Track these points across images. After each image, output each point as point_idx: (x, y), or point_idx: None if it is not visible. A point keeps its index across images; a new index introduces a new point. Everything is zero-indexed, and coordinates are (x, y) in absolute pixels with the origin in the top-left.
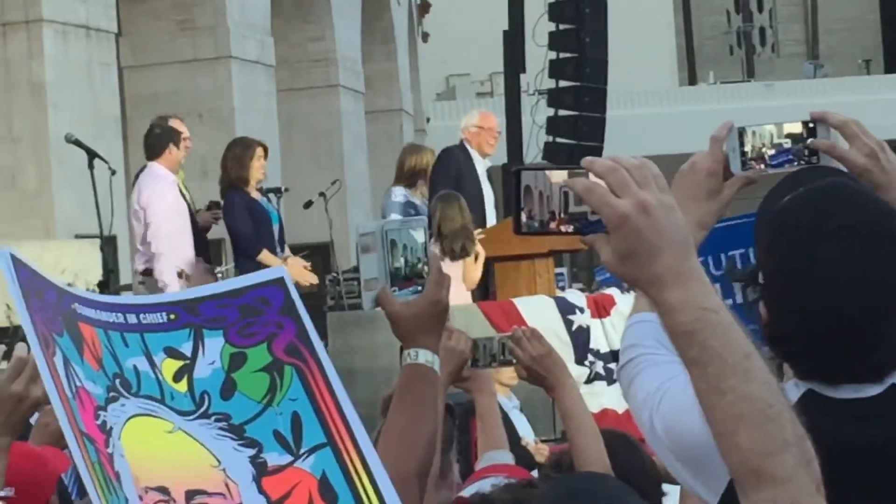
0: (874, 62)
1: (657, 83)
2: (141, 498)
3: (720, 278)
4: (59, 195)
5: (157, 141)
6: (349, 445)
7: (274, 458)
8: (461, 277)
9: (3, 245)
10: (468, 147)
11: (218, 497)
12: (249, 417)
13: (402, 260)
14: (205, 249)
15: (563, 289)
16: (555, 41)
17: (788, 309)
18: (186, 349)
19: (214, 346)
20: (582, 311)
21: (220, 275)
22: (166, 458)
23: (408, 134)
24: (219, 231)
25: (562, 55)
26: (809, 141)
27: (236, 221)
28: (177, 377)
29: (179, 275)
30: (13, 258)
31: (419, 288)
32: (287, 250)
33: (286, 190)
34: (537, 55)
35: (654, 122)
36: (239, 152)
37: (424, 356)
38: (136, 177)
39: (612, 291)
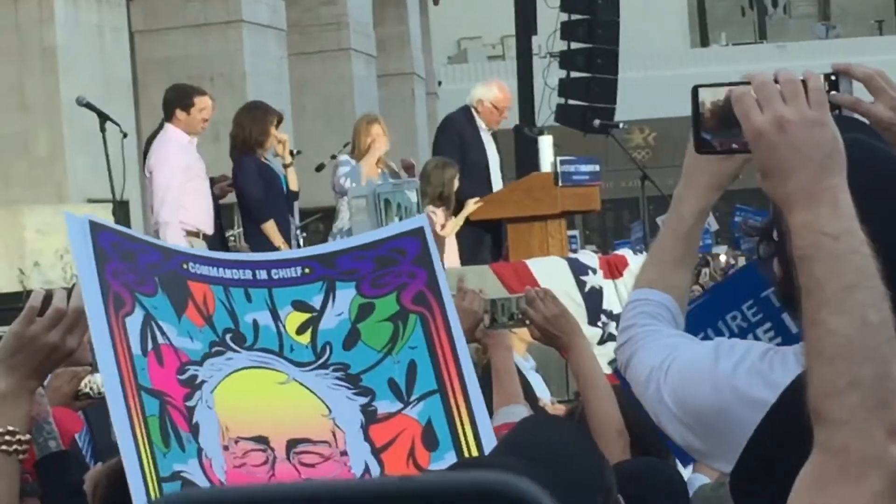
0: (887, 22)
1: (669, 45)
2: (227, 448)
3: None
4: (71, 160)
5: (166, 105)
6: (458, 393)
7: (385, 405)
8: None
9: (88, 213)
10: (475, 114)
11: (322, 445)
12: (368, 367)
13: (396, 220)
14: (217, 216)
15: (575, 251)
16: (567, 3)
17: None
18: (316, 302)
19: (345, 298)
20: (595, 272)
21: (232, 238)
22: (272, 408)
23: (420, 97)
24: (229, 196)
25: (573, 17)
26: (831, 94)
27: (248, 186)
28: (300, 330)
29: (195, 234)
30: (94, 224)
31: None
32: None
33: (298, 153)
34: (549, 17)
35: (666, 83)
36: (260, 115)
37: None
38: (150, 138)
39: (625, 252)
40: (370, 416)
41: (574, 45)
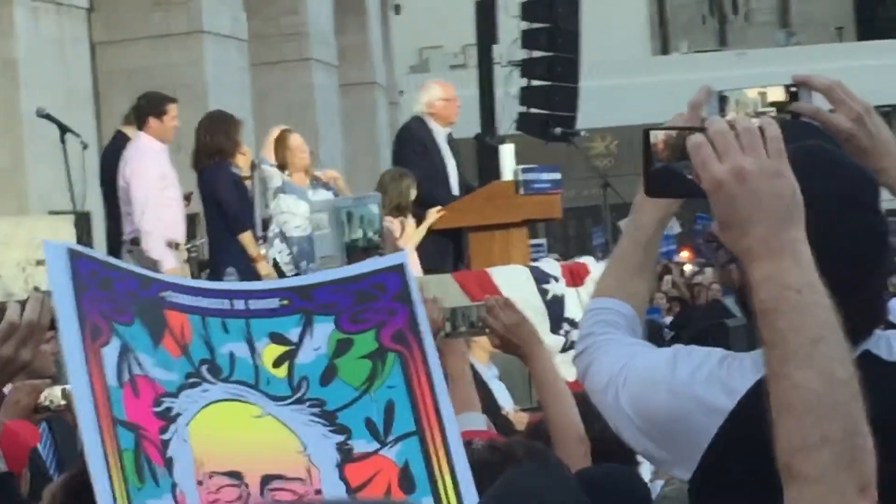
0: (846, 29)
1: (630, 53)
2: (201, 483)
3: None
4: (32, 172)
5: (139, 112)
6: (437, 435)
7: (361, 445)
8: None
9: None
10: (428, 121)
11: (296, 482)
12: (344, 404)
13: (359, 231)
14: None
15: (536, 259)
16: (527, 11)
17: None
18: (293, 335)
19: (323, 332)
20: (556, 280)
21: (194, 249)
22: (246, 443)
23: (381, 107)
24: (193, 206)
25: (534, 26)
26: (792, 105)
27: (226, 195)
28: (277, 363)
29: (171, 245)
30: (72, 252)
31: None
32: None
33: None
34: (510, 26)
35: (627, 91)
36: (226, 126)
37: None
38: (108, 149)
39: (587, 260)
40: (346, 455)
41: (535, 54)
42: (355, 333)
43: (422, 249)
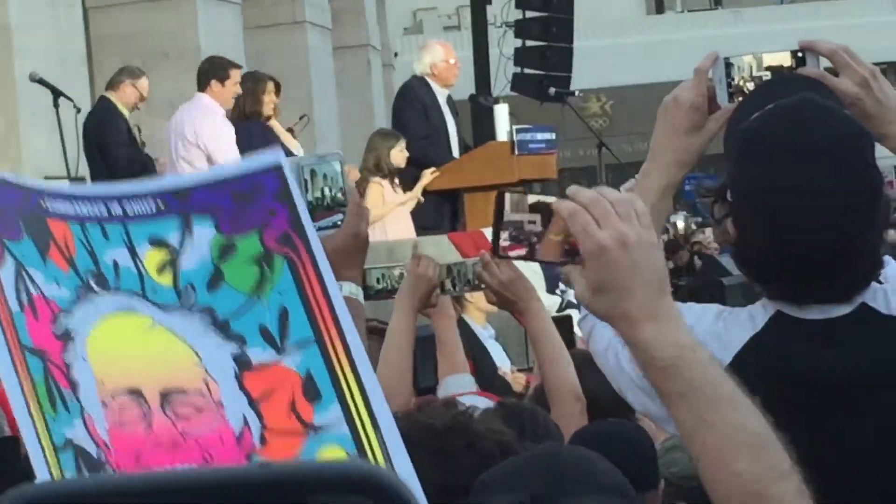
0: None
1: (624, 12)
2: (105, 404)
3: None
4: (26, 137)
5: (201, 75)
6: (336, 342)
7: (257, 353)
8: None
9: None
10: (430, 81)
11: (196, 395)
12: (235, 310)
13: (321, 190)
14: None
15: None
16: None
17: (757, 228)
18: (174, 239)
19: (203, 236)
20: None
21: None
22: (142, 356)
23: (376, 69)
24: None
25: None
26: (799, 70)
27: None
28: (160, 269)
29: None
30: None
31: (341, 216)
32: None
33: None
34: None
35: (622, 51)
36: (251, 86)
37: (348, 288)
38: (94, 108)
39: None
40: (243, 365)
41: (529, 14)
42: (237, 236)
43: (418, 210)
